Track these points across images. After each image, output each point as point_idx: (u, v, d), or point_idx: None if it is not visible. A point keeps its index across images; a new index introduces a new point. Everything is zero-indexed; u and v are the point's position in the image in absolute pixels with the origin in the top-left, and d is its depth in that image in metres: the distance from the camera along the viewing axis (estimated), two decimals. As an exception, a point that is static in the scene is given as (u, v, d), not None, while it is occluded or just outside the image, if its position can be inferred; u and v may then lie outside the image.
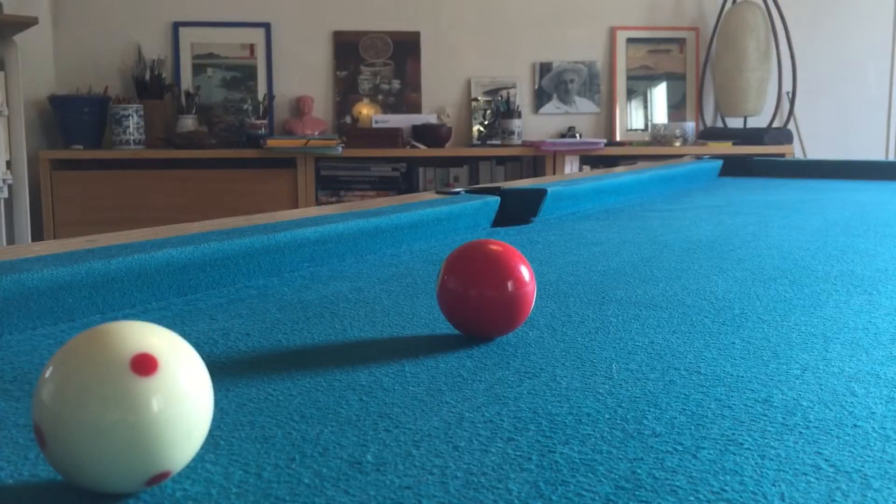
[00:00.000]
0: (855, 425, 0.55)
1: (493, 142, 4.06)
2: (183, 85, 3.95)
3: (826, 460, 0.49)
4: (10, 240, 3.24)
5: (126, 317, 0.85)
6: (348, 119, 4.09)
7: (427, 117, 4.06)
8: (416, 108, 4.11)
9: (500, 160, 3.99)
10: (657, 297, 0.95)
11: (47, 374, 0.45)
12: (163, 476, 0.45)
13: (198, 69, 4.00)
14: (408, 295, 0.96)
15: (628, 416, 0.57)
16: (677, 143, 3.94)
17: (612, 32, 4.22)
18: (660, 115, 4.25)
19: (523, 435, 0.54)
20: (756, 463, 0.49)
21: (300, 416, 0.58)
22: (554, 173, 3.84)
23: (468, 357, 0.72)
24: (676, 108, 4.26)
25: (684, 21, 4.27)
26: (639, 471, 0.48)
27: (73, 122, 3.68)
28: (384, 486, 0.46)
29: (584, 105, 4.23)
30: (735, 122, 4.21)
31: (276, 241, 1.05)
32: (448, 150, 3.90)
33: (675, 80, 4.26)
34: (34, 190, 3.47)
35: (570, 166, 3.89)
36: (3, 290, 0.78)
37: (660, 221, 1.61)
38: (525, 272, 0.75)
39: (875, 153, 4.24)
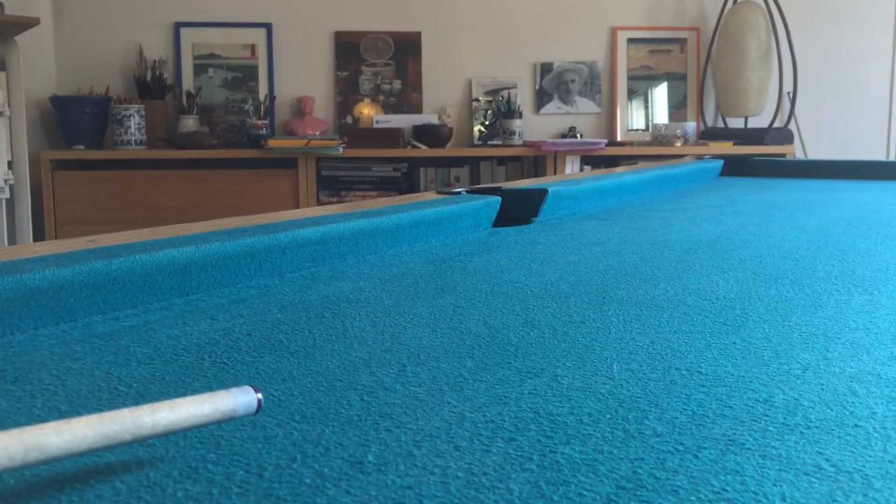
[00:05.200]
0: (856, 425, 0.55)
1: (494, 142, 4.06)
2: (184, 85, 3.95)
3: (827, 460, 0.49)
4: (12, 240, 3.25)
5: (127, 317, 0.86)
6: (349, 119, 4.09)
7: (428, 117, 4.06)
8: (417, 109, 4.11)
9: (501, 160, 3.99)
10: (658, 297, 0.95)
11: None
12: None
13: (199, 69, 4.00)
14: (409, 295, 0.96)
15: (629, 416, 0.57)
16: (678, 144, 3.94)
17: (613, 32, 4.22)
18: (661, 115, 4.25)
19: (524, 435, 0.54)
20: (757, 463, 0.49)
21: (301, 416, 0.58)
22: (555, 173, 3.84)
23: (469, 357, 0.72)
24: (677, 108, 4.26)
25: (685, 21, 4.27)
26: (640, 471, 0.48)
27: (74, 122, 3.68)
28: (385, 486, 0.46)
29: (584, 105, 4.23)
30: (736, 123, 4.21)
31: (277, 241, 1.05)
32: (449, 151, 3.90)
33: (676, 80, 4.26)
34: (35, 190, 3.48)
35: (571, 166, 3.89)
36: (4, 290, 0.78)
37: (661, 221, 1.61)
38: None
39: (875, 153, 4.24)
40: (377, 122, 4.03)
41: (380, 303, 0.93)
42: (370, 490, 0.46)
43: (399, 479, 0.47)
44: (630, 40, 4.23)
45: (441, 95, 4.15)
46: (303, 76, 4.07)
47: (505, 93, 4.13)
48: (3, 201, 3.18)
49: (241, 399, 0.52)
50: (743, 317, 0.86)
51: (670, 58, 4.26)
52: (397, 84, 4.11)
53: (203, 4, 4.00)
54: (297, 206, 3.67)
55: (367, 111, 4.09)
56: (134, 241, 0.98)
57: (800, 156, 4.11)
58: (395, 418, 0.57)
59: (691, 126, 4.00)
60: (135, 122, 3.70)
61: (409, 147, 3.89)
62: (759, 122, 4.16)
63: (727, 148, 3.85)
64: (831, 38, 4.24)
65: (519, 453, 0.51)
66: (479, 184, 3.50)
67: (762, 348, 0.74)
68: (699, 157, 2.81)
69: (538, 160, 3.96)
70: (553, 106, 4.22)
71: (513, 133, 3.97)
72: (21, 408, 0.60)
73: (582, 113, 4.23)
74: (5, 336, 0.78)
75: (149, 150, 3.71)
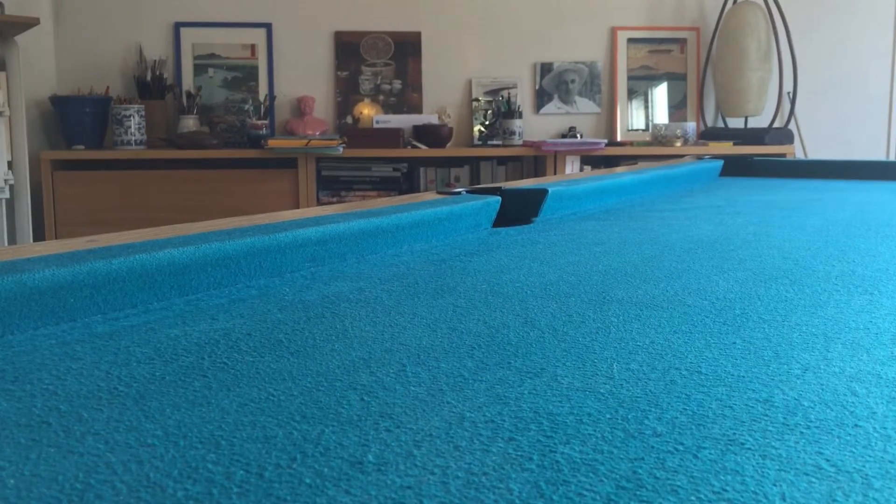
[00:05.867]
0: (856, 425, 0.55)
1: (494, 142, 4.06)
2: (184, 85, 3.95)
3: (827, 460, 0.49)
4: (12, 240, 3.25)
5: (127, 317, 0.86)
6: (349, 119, 4.09)
7: (428, 117, 4.06)
8: (417, 109, 4.11)
9: (501, 160, 3.99)
10: (658, 297, 0.95)
11: None
12: None
13: (199, 69, 4.00)
14: (409, 295, 0.96)
15: (629, 416, 0.57)
16: (678, 144, 3.94)
17: (613, 32, 4.22)
18: (661, 115, 4.25)
19: (524, 435, 0.54)
20: (757, 463, 0.49)
21: (301, 416, 0.58)
22: (555, 173, 3.84)
23: (469, 357, 0.72)
24: (677, 108, 4.26)
25: (685, 21, 4.27)
26: (640, 471, 0.48)
27: (74, 122, 3.68)
28: (385, 486, 0.46)
29: (584, 105, 4.23)
30: (736, 123, 4.21)
31: (277, 241, 1.05)
32: (449, 151, 3.90)
33: (676, 80, 4.26)
34: (36, 190, 3.48)
35: (571, 166, 3.89)
36: (4, 290, 0.78)
37: (661, 221, 1.61)
38: None
39: (875, 153, 4.24)
40: (377, 122, 4.03)
41: (380, 303, 0.93)
42: (370, 490, 0.46)
43: (399, 479, 0.47)
44: (630, 40, 4.23)
45: (441, 95, 4.15)
46: (303, 76, 4.07)
47: (505, 93, 4.13)
48: (3, 201, 3.18)
49: None
50: (743, 317, 0.86)
51: (670, 58, 4.26)
52: (397, 84, 4.11)
53: (203, 4, 4.00)
54: (297, 206, 3.67)
55: (367, 111, 4.09)
56: (134, 241, 0.98)
57: (800, 156, 4.11)
58: (395, 418, 0.57)
59: (691, 126, 4.00)
60: (135, 122, 3.70)
61: (409, 147, 3.89)
62: (759, 122, 4.16)
63: (727, 148, 3.85)
64: (831, 38, 4.24)
65: (519, 453, 0.51)
66: (479, 184, 3.50)
67: (762, 348, 0.74)
68: (699, 157, 2.81)
69: (538, 160, 3.96)
70: (553, 106, 4.22)
71: (513, 133, 3.97)
72: (21, 408, 0.60)
73: (582, 113, 4.23)
74: (5, 336, 0.78)
75: (149, 150, 3.71)
